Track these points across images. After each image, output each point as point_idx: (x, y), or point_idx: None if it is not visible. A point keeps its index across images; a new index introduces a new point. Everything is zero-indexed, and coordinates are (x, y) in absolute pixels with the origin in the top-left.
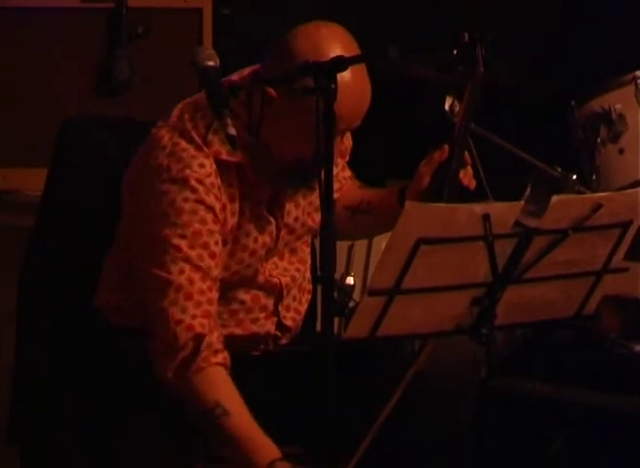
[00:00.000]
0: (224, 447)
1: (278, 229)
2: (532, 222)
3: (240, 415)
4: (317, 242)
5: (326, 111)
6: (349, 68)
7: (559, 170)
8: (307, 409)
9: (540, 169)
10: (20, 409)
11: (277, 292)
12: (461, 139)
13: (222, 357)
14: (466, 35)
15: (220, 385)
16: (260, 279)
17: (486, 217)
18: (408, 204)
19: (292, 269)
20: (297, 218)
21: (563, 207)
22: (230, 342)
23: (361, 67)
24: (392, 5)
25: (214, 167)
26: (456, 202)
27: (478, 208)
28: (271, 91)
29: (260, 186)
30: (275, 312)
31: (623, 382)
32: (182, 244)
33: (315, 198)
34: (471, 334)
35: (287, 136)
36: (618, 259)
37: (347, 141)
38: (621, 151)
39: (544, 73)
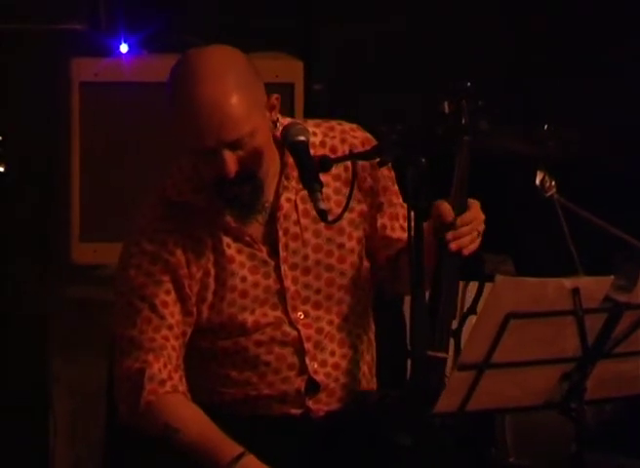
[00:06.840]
0: (191, 458)
1: (278, 269)
2: (622, 297)
3: (188, 429)
4: (407, 315)
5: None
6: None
7: None
8: None
9: (631, 243)
10: None
11: (299, 345)
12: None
13: (171, 385)
14: (446, 105)
15: (167, 409)
16: (276, 331)
17: (575, 292)
18: (498, 278)
19: (324, 319)
20: (306, 257)
21: None
22: (257, 403)
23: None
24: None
25: (159, 212)
26: None
27: (568, 282)
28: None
29: (237, 223)
30: (303, 367)
31: None
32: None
33: (334, 234)
34: (561, 409)
35: None
36: None
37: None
38: None
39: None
